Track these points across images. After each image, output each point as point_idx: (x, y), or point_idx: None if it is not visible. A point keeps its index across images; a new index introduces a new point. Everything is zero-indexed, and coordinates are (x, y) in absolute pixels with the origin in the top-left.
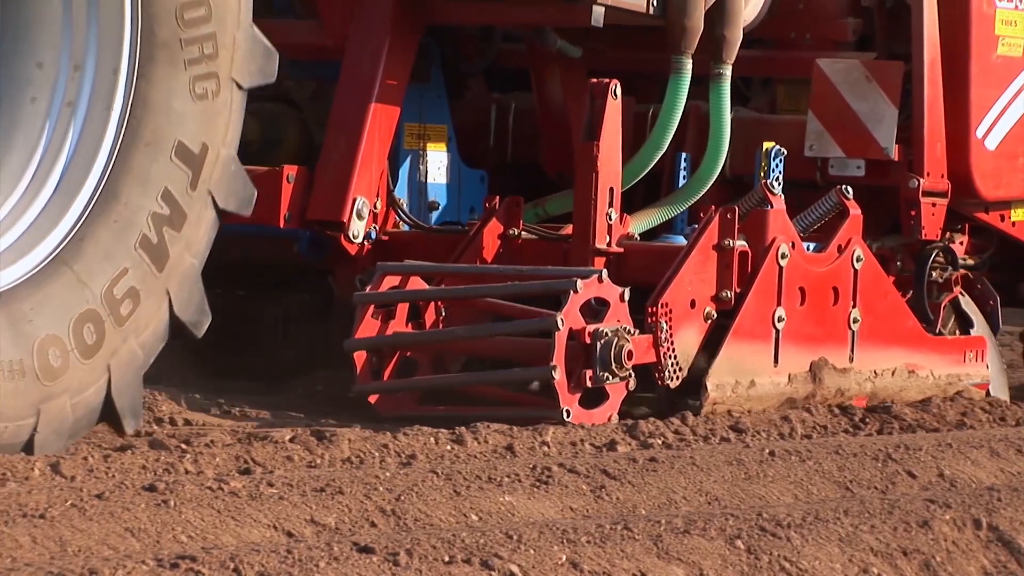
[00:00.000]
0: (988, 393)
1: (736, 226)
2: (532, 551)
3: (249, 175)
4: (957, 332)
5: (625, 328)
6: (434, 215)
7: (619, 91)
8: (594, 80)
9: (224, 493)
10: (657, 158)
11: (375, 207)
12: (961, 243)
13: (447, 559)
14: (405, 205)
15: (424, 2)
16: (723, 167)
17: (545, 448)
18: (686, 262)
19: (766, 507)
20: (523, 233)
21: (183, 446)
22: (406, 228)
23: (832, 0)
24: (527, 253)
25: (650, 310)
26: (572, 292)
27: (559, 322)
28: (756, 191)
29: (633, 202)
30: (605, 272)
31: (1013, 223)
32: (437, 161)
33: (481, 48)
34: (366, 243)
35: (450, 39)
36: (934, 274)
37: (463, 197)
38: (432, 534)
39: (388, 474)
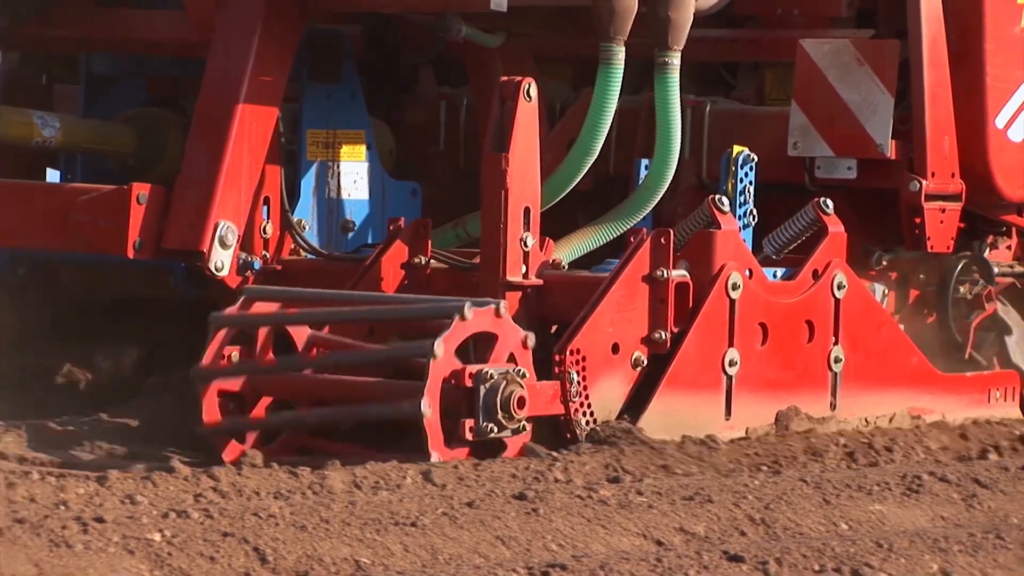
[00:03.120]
0: None
1: (671, 252)
2: (903, 560)
3: (87, 194)
4: (996, 358)
5: (518, 371)
6: (350, 237)
7: (534, 91)
8: (503, 78)
9: (593, 501)
10: (586, 167)
11: (264, 231)
12: (1009, 247)
13: (817, 568)
14: (308, 226)
15: None
16: (700, 172)
17: (901, 454)
18: (604, 298)
19: None
20: (432, 261)
21: (553, 454)
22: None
23: None
24: (435, 284)
25: (556, 358)
26: (458, 318)
27: (424, 407)
28: (703, 207)
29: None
30: (504, 304)
31: None
32: (352, 173)
33: (426, 35)
34: (248, 274)
35: (386, 25)
36: (961, 290)
37: (389, 214)
38: (802, 543)
39: (757, 483)
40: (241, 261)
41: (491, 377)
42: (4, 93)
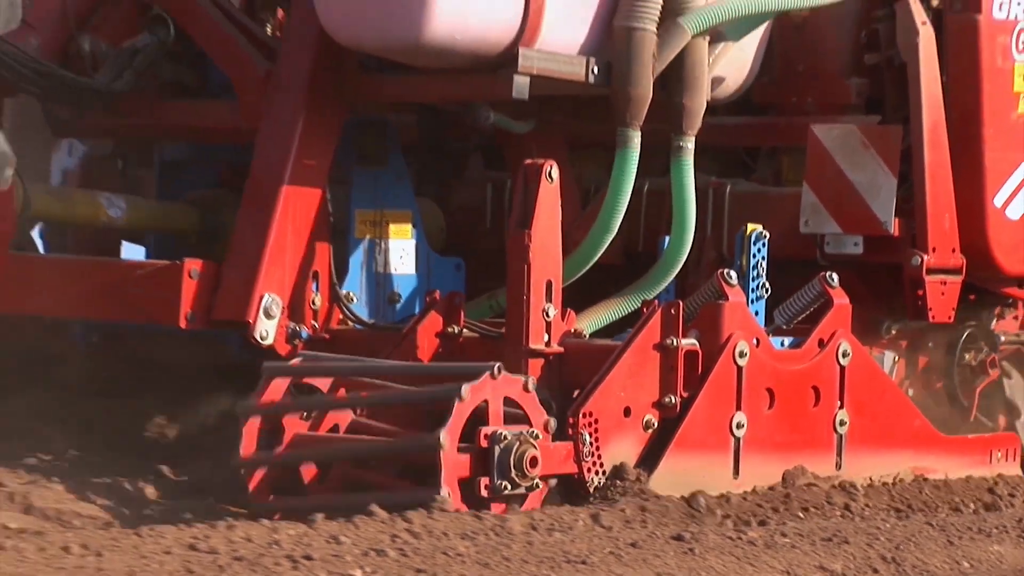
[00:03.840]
0: None
1: (681, 323)
2: None
3: (144, 270)
4: (1001, 420)
5: (531, 432)
6: (397, 308)
7: (555, 173)
8: (527, 161)
9: (743, 542)
10: (606, 243)
11: (314, 303)
12: (1015, 317)
13: None
14: (357, 299)
15: (342, 79)
16: (721, 248)
17: (1015, 502)
18: (617, 365)
19: None
20: (464, 330)
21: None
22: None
23: (834, 60)
24: (468, 352)
25: (570, 420)
26: (456, 401)
27: (442, 439)
28: (712, 281)
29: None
30: (499, 366)
31: None
32: (399, 250)
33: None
34: (297, 342)
35: (434, 114)
36: (967, 357)
37: (434, 287)
38: None
39: (888, 526)
40: (290, 330)
41: (505, 438)
42: (83, 178)
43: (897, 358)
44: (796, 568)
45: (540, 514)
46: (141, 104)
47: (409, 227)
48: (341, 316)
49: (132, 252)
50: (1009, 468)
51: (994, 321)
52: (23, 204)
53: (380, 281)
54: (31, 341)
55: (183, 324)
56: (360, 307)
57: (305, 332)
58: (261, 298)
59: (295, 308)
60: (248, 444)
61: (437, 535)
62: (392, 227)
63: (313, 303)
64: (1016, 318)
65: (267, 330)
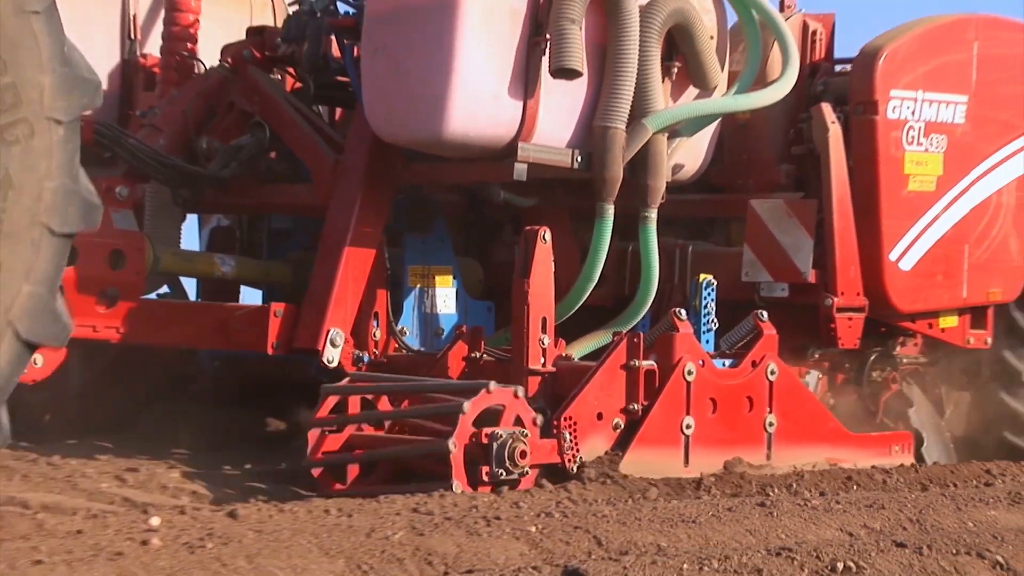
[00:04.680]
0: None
1: (642, 349)
2: (1011, 547)
3: (242, 311)
4: (910, 420)
5: (522, 431)
6: (441, 339)
7: (548, 236)
8: (527, 227)
9: (808, 507)
10: (589, 290)
11: (375, 336)
12: (915, 344)
13: (954, 552)
14: (409, 332)
15: (390, 166)
16: (684, 292)
17: (1006, 479)
18: (592, 380)
19: None
20: (484, 355)
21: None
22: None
23: (769, 150)
24: (486, 372)
25: (555, 423)
26: (460, 414)
27: (451, 445)
28: (666, 319)
29: None
30: (494, 383)
31: (942, 329)
32: (444, 296)
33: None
34: (361, 365)
35: (474, 197)
36: (874, 374)
37: (471, 324)
38: (944, 535)
39: (913, 496)
40: (355, 356)
41: (500, 436)
42: (210, 242)
43: (820, 375)
44: (847, 526)
45: (664, 486)
46: (244, 187)
47: (450, 278)
48: (396, 345)
49: (251, 296)
50: (905, 459)
51: (897, 347)
52: (152, 263)
53: (428, 319)
54: (170, 365)
55: (270, 351)
56: (412, 339)
57: (367, 357)
58: (328, 331)
59: (360, 339)
60: (313, 448)
61: (589, 501)
62: (437, 278)
63: (374, 335)
64: (916, 344)
65: (333, 356)
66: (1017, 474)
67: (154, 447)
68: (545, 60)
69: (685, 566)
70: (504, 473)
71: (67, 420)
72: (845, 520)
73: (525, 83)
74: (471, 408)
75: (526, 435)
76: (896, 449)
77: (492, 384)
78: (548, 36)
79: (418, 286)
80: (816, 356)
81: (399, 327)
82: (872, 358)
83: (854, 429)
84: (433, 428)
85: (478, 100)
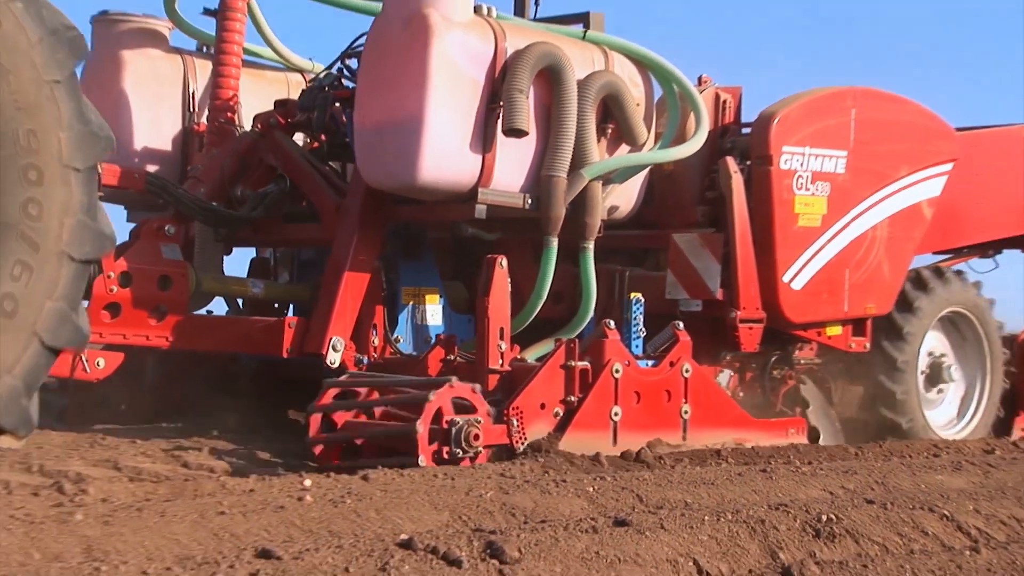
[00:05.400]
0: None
1: (577, 352)
2: (954, 503)
3: (263, 323)
4: (802, 409)
5: (476, 419)
6: (429, 346)
7: (504, 263)
8: (488, 256)
9: (799, 473)
10: (540, 305)
11: (373, 343)
12: (812, 348)
13: (911, 507)
14: (403, 340)
15: (380, 209)
16: (622, 308)
17: (953, 452)
18: (536, 377)
19: None
20: (457, 358)
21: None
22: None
23: (689, 195)
24: (459, 371)
25: (504, 412)
26: (427, 402)
27: (418, 426)
28: (599, 328)
29: None
30: (455, 379)
31: (829, 336)
32: (431, 311)
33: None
34: (361, 366)
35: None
36: (774, 373)
37: (455, 335)
38: (902, 494)
39: (879, 464)
40: (356, 358)
41: (458, 422)
42: (250, 269)
43: (732, 373)
44: (828, 487)
45: (689, 458)
46: (269, 226)
47: (437, 296)
48: (392, 350)
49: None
50: (799, 439)
51: (796, 351)
52: (194, 285)
53: (418, 329)
54: (217, 365)
55: (284, 355)
56: (406, 345)
57: (366, 359)
58: (331, 339)
59: (361, 345)
60: (312, 430)
61: (632, 471)
62: (426, 297)
63: (373, 342)
64: (812, 349)
65: (335, 358)
66: (959, 449)
67: (211, 430)
68: (500, 122)
69: (706, 517)
70: (461, 452)
71: (143, 409)
72: (827, 482)
73: (484, 140)
74: (435, 399)
75: (479, 422)
76: (792, 431)
77: (454, 380)
78: (501, 103)
79: (411, 303)
80: (727, 358)
81: (394, 336)
82: (773, 359)
83: (758, 416)
84: (406, 415)
85: (444, 154)
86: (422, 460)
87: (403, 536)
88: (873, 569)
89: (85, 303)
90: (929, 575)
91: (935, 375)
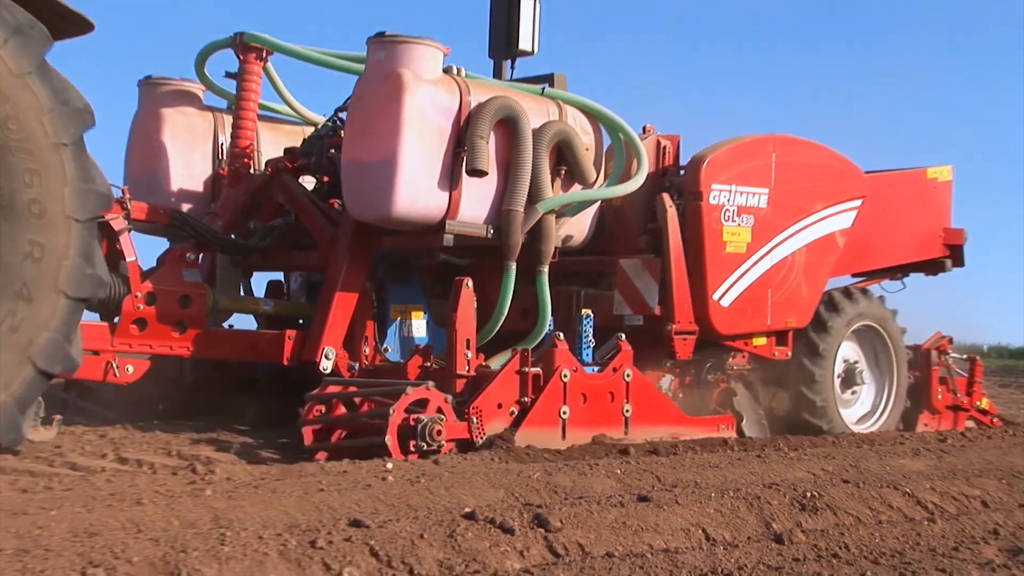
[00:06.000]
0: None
1: (530, 359)
2: (914, 482)
3: (267, 335)
4: (735, 408)
5: (439, 417)
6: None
7: (470, 283)
8: (457, 278)
9: (787, 458)
10: (501, 322)
11: (364, 352)
12: (743, 356)
13: (880, 486)
14: (391, 349)
15: (366, 238)
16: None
17: (913, 439)
18: (494, 381)
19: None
20: (433, 364)
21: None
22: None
23: (634, 225)
24: (434, 375)
25: (465, 411)
26: (403, 394)
27: (391, 411)
28: (551, 340)
29: None
30: (431, 383)
31: (755, 346)
32: (417, 325)
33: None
34: (354, 371)
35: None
36: (709, 377)
37: (437, 347)
38: (872, 475)
39: (852, 450)
40: (349, 365)
41: (423, 420)
42: (267, 290)
43: (673, 378)
44: (811, 469)
45: (700, 445)
46: (276, 254)
47: (422, 313)
48: (381, 358)
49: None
50: (729, 433)
51: (730, 359)
52: (211, 304)
53: (405, 341)
54: (242, 369)
55: (285, 362)
56: (394, 354)
57: (357, 365)
58: (323, 349)
59: (354, 353)
60: (305, 416)
61: (653, 456)
62: (412, 313)
63: (364, 352)
64: (744, 357)
65: (327, 365)
66: (921, 438)
67: (234, 424)
68: (464, 164)
69: (713, 494)
70: (426, 445)
71: (182, 404)
72: (810, 465)
73: (450, 179)
74: (412, 392)
75: (443, 419)
76: (722, 427)
77: (431, 383)
78: (465, 148)
79: (398, 318)
80: (668, 365)
81: (384, 346)
82: (708, 365)
83: (694, 414)
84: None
85: (416, 191)
86: (388, 440)
87: (467, 509)
88: (848, 536)
89: (111, 324)
90: (894, 541)
91: (849, 379)
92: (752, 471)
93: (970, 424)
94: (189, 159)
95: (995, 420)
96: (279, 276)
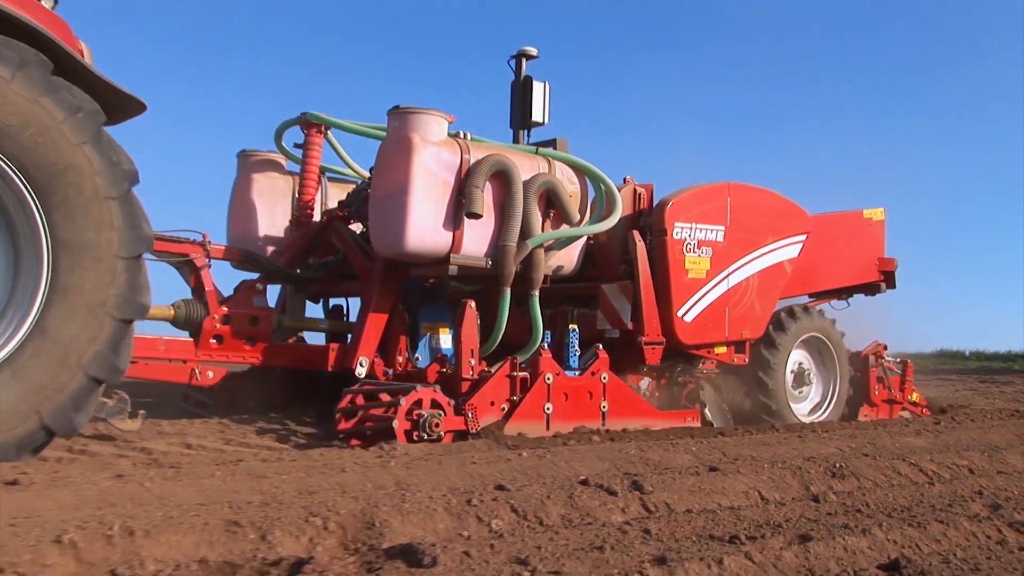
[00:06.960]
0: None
1: (518, 365)
2: (917, 455)
3: (316, 348)
4: (702, 405)
5: (439, 412)
6: None
7: (473, 304)
8: (463, 300)
9: (822, 437)
10: (500, 337)
11: (398, 361)
12: (712, 363)
13: (892, 458)
14: (421, 358)
15: (393, 270)
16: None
17: (915, 422)
18: (488, 382)
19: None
20: (447, 370)
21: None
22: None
23: (614, 254)
24: (448, 379)
25: (463, 408)
26: (412, 391)
27: (400, 400)
28: (537, 351)
29: None
30: (438, 387)
31: (717, 354)
32: (444, 339)
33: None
34: (388, 375)
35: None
36: (679, 379)
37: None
38: (886, 450)
39: (869, 431)
40: (385, 371)
41: (424, 414)
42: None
43: (650, 380)
44: (840, 446)
45: (700, 435)
46: (331, 283)
47: (448, 329)
48: (411, 366)
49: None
50: (694, 424)
51: (700, 365)
52: (276, 323)
53: (433, 352)
54: (308, 375)
55: (329, 369)
56: (424, 362)
57: (391, 371)
58: (358, 358)
59: (389, 362)
60: (340, 407)
61: (678, 444)
62: (440, 330)
63: (398, 360)
64: (712, 363)
65: (361, 372)
66: (922, 421)
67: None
68: (464, 208)
69: (766, 465)
70: (426, 436)
71: (272, 398)
72: (839, 443)
73: (453, 221)
74: (418, 391)
75: (442, 414)
76: (688, 419)
77: (437, 385)
78: (464, 195)
79: (428, 334)
80: (645, 369)
81: (415, 356)
82: (679, 369)
83: (668, 409)
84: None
85: (424, 231)
86: (396, 424)
87: (581, 477)
88: (868, 496)
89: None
90: (903, 499)
91: (800, 379)
92: (795, 447)
93: (905, 415)
94: (272, 212)
95: (925, 411)
96: (341, 301)
